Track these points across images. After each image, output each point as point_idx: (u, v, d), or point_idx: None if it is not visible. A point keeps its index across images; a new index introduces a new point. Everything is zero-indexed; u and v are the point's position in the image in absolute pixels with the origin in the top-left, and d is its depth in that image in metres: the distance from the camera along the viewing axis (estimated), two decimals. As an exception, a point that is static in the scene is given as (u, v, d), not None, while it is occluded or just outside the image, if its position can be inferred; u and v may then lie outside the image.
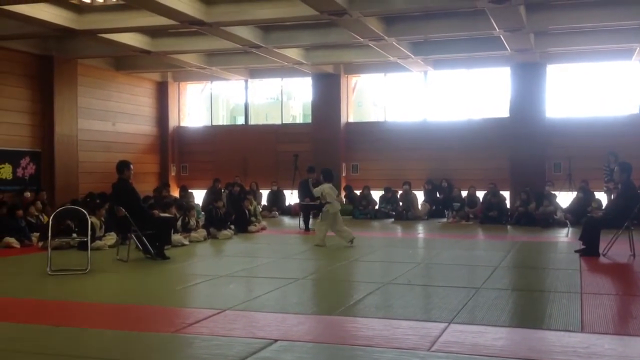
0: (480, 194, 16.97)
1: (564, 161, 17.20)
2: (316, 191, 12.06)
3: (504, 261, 9.67)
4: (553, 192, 16.01)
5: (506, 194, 17.08)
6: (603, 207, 14.47)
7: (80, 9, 13.41)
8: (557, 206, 15.71)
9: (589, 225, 10.30)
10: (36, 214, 13.19)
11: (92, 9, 13.49)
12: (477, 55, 16.99)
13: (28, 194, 15.14)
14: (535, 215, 15.37)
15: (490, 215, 15.93)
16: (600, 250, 10.01)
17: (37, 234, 12.16)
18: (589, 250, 10.01)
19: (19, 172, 15.65)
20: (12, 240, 11.68)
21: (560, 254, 10.82)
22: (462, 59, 17.91)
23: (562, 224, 15.00)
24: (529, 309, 6.54)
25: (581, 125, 17.47)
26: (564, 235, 13.45)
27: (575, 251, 10.23)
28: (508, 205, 16.76)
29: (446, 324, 5.74)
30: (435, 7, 12.76)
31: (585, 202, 15.32)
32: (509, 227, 15.24)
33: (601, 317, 6.15)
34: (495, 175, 17.47)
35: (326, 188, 11.79)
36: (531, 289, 7.69)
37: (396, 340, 5.27)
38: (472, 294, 7.09)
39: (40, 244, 11.45)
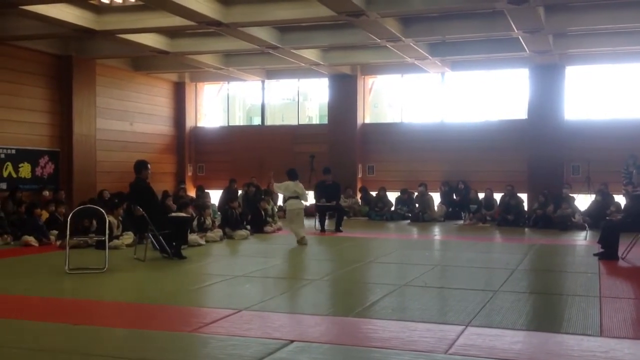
0: (498, 196, 16.86)
1: (582, 164, 17.04)
2: (278, 187, 12.54)
3: (522, 264, 9.59)
4: (571, 195, 15.87)
5: (524, 197, 16.96)
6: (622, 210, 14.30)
7: (99, 10, 13.52)
8: (575, 209, 15.58)
9: (608, 228, 10.21)
10: (49, 214, 13.26)
11: (111, 9, 13.59)
12: (495, 56, 16.89)
13: (47, 193, 15.29)
14: (553, 218, 15.24)
15: (508, 218, 15.82)
16: (619, 254, 9.92)
17: (56, 233, 12.27)
18: (608, 253, 9.91)
19: (38, 171, 15.80)
20: (30, 239, 11.77)
21: (579, 257, 10.71)
22: (480, 60, 17.82)
23: (581, 227, 14.86)
24: (547, 312, 6.48)
25: (600, 128, 17.30)
26: (583, 239, 13.32)
27: (594, 254, 10.13)
28: (526, 208, 16.64)
29: (463, 327, 5.70)
30: (454, 7, 12.69)
31: (604, 205, 15.15)
32: (526, 229, 15.13)
33: (620, 321, 6.08)
34: (513, 178, 17.34)
35: (291, 185, 12.28)
36: (549, 292, 7.63)
37: (413, 342, 5.25)
38: (489, 296, 7.05)
39: (59, 242, 11.55)
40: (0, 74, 14.90)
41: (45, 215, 12.99)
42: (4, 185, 14.75)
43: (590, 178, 16.47)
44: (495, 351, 5.00)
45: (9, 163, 15.02)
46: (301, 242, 11.87)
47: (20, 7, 11.87)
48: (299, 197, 12.28)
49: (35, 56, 15.84)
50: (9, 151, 15.02)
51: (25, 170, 15.44)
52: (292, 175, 12.48)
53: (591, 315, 6.23)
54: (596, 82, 18.86)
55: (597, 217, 14.50)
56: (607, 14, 13.16)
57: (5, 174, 14.91)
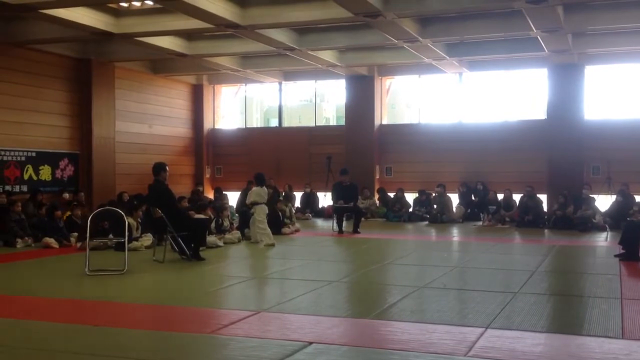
0: (517, 197, 16.72)
1: (602, 164, 16.88)
2: (253, 195, 12.41)
3: (542, 266, 9.51)
4: (591, 196, 15.71)
5: (543, 197, 16.82)
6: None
7: (118, 13, 13.62)
8: (595, 210, 15.41)
9: (629, 229, 10.12)
10: (65, 215, 13.38)
11: (130, 12, 13.68)
12: (513, 56, 16.76)
13: (67, 195, 15.42)
14: (573, 219, 15.10)
15: (527, 219, 15.68)
16: (641, 255, 9.81)
17: (76, 234, 12.37)
18: (629, 254, 9.82)
19: (58, 173, 15.95)
20: (51, 241, 11.89)
21: (599, 259, 10.61)
22: (498, 60, 17.70)
23: (601, 228, 14.70)
24: (568, 314, 6.42)
25: (620, 128, 17.10)
26: (603, 240, 13.19)
27: (615, 256, 10.03)
28: (545, 209, 16.50)
29: (483, 329, 5.66)
30: (471, 7, 12.61)
31: (624, 206, 14.99)
32: (546, 231, 15.00)
33: (643, 323, 6.01)
34: (532, 178, 17.21)
35: (261, 191, 12.34)
36: (570, 294, 7.56)
37: (432, 344, 5.22)
38: (509, 298, 6.99)
39: (79, 244, 11.65)
40: (20, 77, 15.07)
41: (66, 214, 13.14)
42: (24, 188, 14.90)
43: (610, 178, 16.30)
44: (516, 353, 4.96)
45: (29, 166, 15.17)
46: (272, 245, 11.97)
47: (40, 11, 11.99)
48: (264, 202, 12.33)
49: (55, 59, 15.99)
50: (29, 154, 15.18)
51: (45, 172, 15.59)
52: (260, 180, 12.51)
53: (612, 317, 6.16)
54: (616, 82, 18.68)
55: (618, 218, 14.36)
56: (626, 12, 13.00)
57: (25, 177, 15.06)
